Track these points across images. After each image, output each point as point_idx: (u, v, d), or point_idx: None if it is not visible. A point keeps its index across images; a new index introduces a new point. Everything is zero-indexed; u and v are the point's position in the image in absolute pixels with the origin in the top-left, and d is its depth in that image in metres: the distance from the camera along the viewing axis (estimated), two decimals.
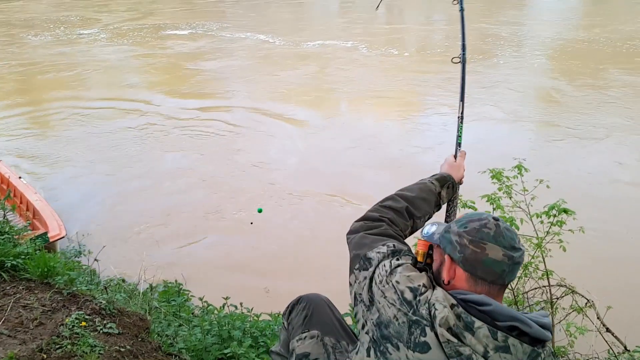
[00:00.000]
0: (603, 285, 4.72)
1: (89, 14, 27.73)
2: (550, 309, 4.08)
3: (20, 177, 7.30)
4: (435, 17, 24.84)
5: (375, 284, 1.43)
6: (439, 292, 1.33)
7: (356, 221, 1.70)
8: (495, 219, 1.36)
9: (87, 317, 2.49)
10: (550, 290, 4.10)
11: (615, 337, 3.60)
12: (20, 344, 2.27)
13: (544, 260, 4.04)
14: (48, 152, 9.86)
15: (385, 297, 1.39)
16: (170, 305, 4.04)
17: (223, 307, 4.04)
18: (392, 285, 1.39)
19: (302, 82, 14.16)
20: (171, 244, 6.59)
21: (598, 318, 3.72)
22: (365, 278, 1.47)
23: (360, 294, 1.47)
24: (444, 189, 1.83)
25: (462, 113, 1.99)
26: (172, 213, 7.45)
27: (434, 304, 1.30)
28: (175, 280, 4.99)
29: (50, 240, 5.57)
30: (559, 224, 3.91)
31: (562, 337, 3.92)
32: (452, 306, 1.29)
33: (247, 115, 11.55)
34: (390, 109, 11.60)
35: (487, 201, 3.95)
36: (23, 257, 2.89)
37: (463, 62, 2.02)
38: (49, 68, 16.43)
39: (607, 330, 3.63)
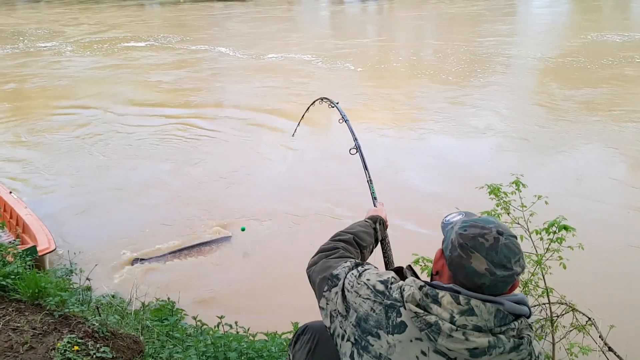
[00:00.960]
0: (605, 302, 4.67)
1: (57, 27, 28.01)
2: (550, 327, 4.02)
3: (10, 192, 7.18)
4: (386, 34, 25.28)
5: (348, 290, 1.52)
6: (408, 279, 1.43)
7: (312, 257, 1.81)
8: (500, 233, 1.36)
9: (79, 340, 2.40)
10: (550, 307, 4.05)
11: (618, 356, 3.55)
12: None
13: (543, 277, 4.00)
14: (17, 164, 9.79)
15: (359, 296, 1.47)
16: (163, 325, 3.94)
17: (217, 326, 3.94)
18: (364, 282, 1.49)
19: (264, 92, 14.37)
20: (162, 260, 6.47)
21: (600, 337, 3.67)
22: (336, 293, 1.55)
23: (335, 309, 1.54)
24: (377, 224, 2.04)
25: (369, 178, 2.49)
26: (160, 227, 7.33)
27: (403, 288, 1.41)
28: (168, 298, 4.89)
29: (39, 254, 5.44)
30: (558, 240, 3.87)
31: (563, 356, 3.87)
32: (420, 287, 1.36)
33: (211, 124, 11.80)
34: (356, 122, 11.68)
35: None
36: (13, 276, 2.79)
37: (358, 149, 2.61)
38: (13, 79, 16.64)
39: (610, 349, 3.57)
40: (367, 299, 1.45)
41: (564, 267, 3.85)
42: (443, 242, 1.49)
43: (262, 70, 17.14)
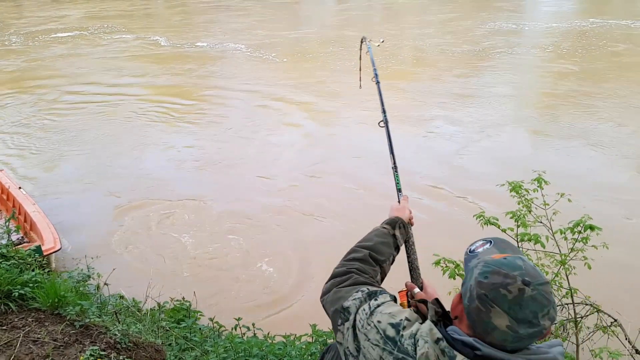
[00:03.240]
0: (634, 305, 4.57)
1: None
2: (574, 328, 3.94)
3: (20, 188, 7.12)
4: (312, 25, 25.08)
5: (359, 330, 1.38)
6: (425, 326, 1.27)
7: (326, 283, 1.64)
8: (526, 283, 1.18)
9: (102, 352, 2.33)
10: (574, 308, 3.96)
11: None
12: None
13: (567, 278, 3.91)
14: None
15: (368, 340, 1.33)
16: (181, 328, 3.89)
17: (235, 328, 3.88)
18: (374, 325, 1.35)
19: (193, 82, 14.84)
20: (177, 260, 6.42)
21: (627, 339, 3.59)
22: (348, 329, 1.42)
23: (348, 347, 1.40)
24: (397, 229, 1.85)
25: (394, 164, 2.16)
26: (171, 223, 7.30)
27: (417, 340, 1.24)
28: (183, 298, 4.84)
29: (44, 253, 5.36)
30: (583, 240, 3.77)
31: (587, 357, 3.79)
32: (436, 341, 1.22)
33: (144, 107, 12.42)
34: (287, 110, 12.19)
35: (511, 218, 3.80)
36: (31, 285, 2.73)
37: (386, 124, 2.25)
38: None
39: (637, 352, 3.49)
40: (377, 345, 1.31)
41: (589, 267, 3.76)
42: (463, 284, 1.31)
43: (196, 58, 17.65)
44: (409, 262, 1.95)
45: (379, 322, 1.34)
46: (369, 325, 1.35)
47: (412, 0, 30.53)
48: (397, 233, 1.83)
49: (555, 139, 9.89)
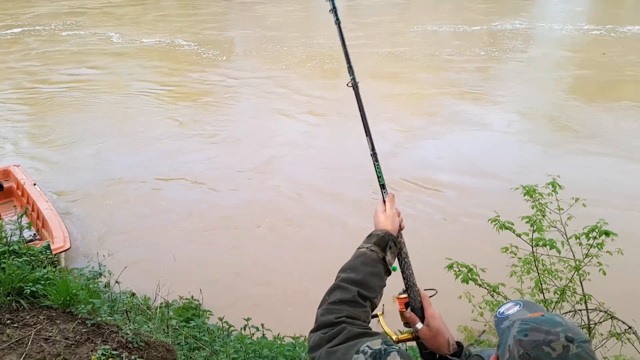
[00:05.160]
0: None
1: None
2: (588, 335, 3.89)
3: (34, 184, 7.15)
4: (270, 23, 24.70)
5: None
6: None
7: (312, 331, 1.40)
8: (569, 340, 1.09)
9: (113, 352, 2.32)
10: (588, 315, 3.91)
11: None
12: None
13: (581, 283, 3.86)
14: None
15: None
16: (190, 327, 3.88)
17: (244, 328, 3.87)
18: None
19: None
20: (184, 258, 6.41)
21: None
22: None
23: None
24: (387, 251, 1.53)
25: (373, 150, 1.65)
26: (180, 222, 7.31)
27: None
28: (192, 297, 4.83)
29: (54, 252, 5.35)
30: (598, 246, 3.71)
31: None
32: None
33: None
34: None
35: (526, 222, 3.75)
36: (43, 282, 2.72)
37: (355, 87, 1.67)
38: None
39: None
40: None
41: (604, 274, 3.71)
42: (498, 346, 1.19)
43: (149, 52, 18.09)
44: (404, 278, 1.60)
45: None
46: None
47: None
48: (387, 256, 1.53)
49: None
